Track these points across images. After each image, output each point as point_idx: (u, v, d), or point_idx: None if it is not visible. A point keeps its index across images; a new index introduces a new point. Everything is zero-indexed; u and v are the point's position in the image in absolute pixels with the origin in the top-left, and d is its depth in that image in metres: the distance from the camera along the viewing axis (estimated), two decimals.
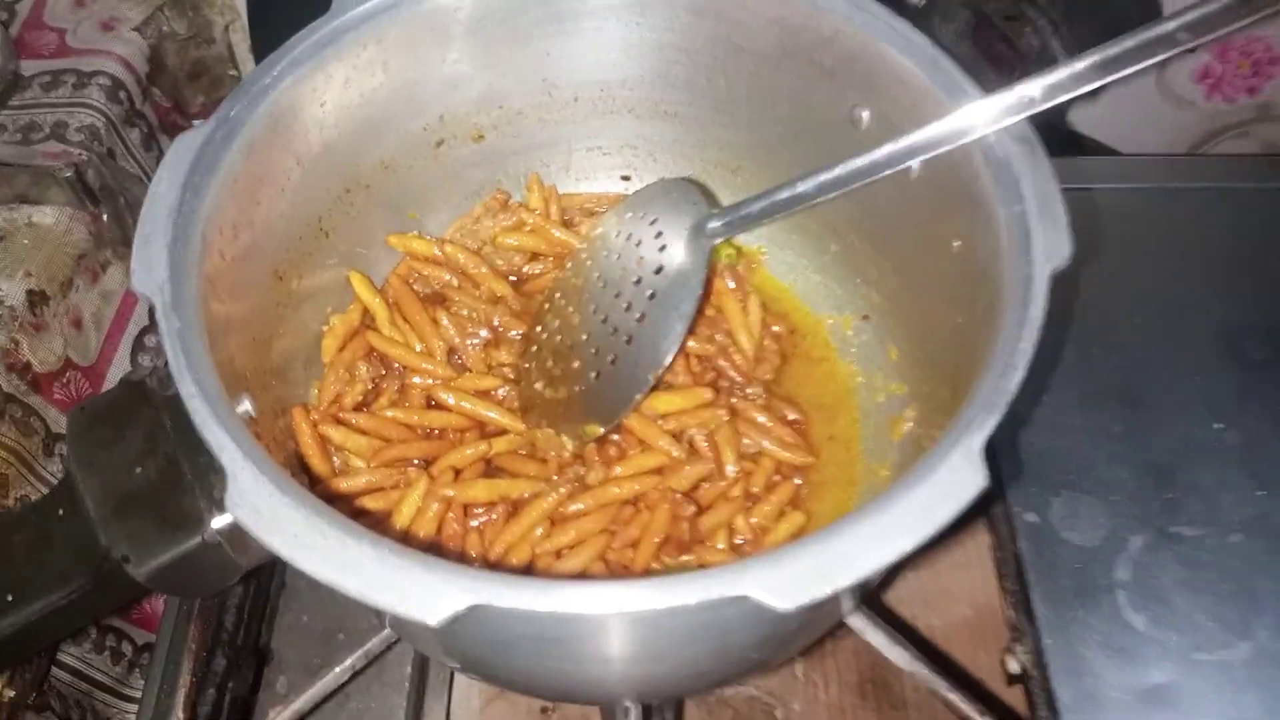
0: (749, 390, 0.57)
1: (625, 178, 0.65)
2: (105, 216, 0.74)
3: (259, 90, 0.47)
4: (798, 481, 0.55)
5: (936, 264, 0.51)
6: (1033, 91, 0.43)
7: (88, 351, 0.72)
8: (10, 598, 0.40)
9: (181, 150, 0.45)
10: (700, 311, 0.58)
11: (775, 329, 0.60)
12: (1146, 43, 0.42)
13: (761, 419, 0.55)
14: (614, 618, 0.33)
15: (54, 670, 0.64)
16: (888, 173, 0.45)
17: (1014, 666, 0.53)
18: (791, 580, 0.32)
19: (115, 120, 0.77)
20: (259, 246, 0.49)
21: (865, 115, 0.52)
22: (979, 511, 0.61)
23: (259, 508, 0.34)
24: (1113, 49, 0.42)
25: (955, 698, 0.49)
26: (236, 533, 0.39)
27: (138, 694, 0.68)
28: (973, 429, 0.36)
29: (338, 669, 0.53)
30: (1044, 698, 0.50)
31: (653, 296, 0.51)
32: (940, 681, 0.49)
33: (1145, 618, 0.53)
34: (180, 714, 0.53)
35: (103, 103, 0.76)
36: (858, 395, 0.58)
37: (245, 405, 0.43)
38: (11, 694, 0.59)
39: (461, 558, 0.49)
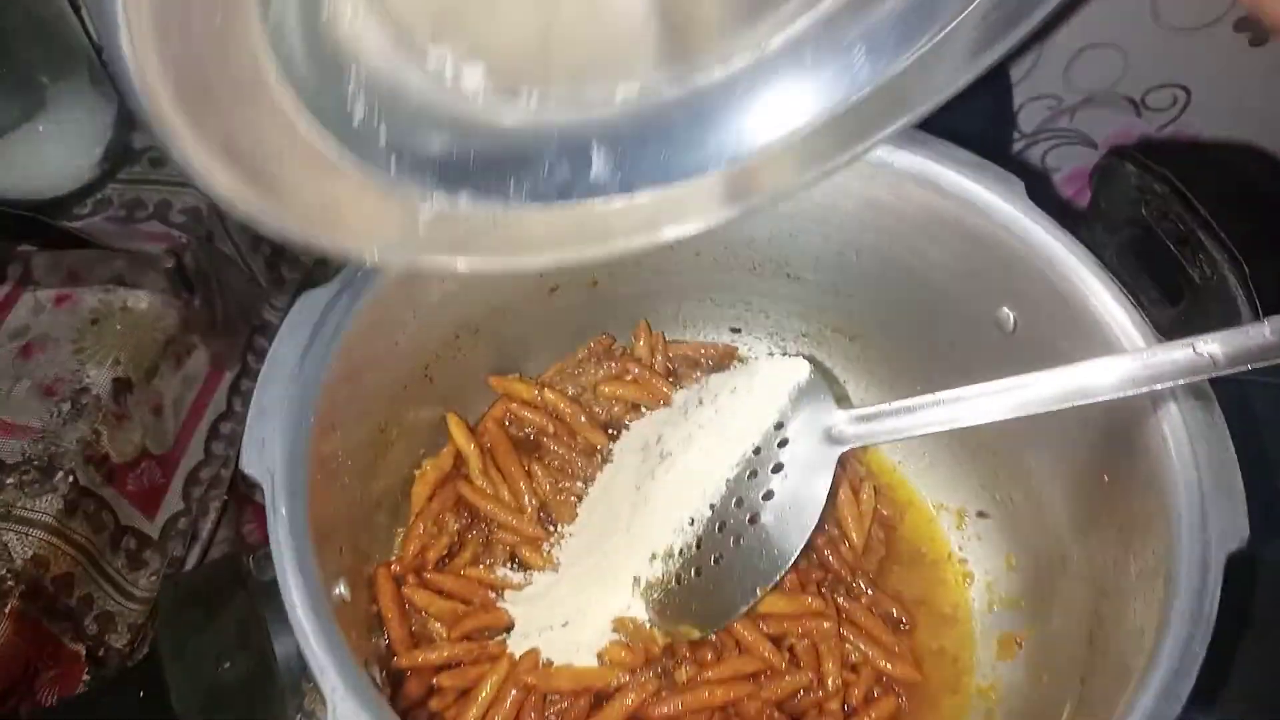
0: (853, 583, 0.54)
1: (735, 329, 0.63)
2: (197, 301, 0.73)
3: None
4: (901, 698, 0.51)
5: (1077, 490, 0.48)
6: (1214, 350, 0.38)
7: (165, 439, 0.70)
8: None
9: (305, 310, 0.43)
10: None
11: (883, 513, 0.57)
12: None
13: (866, 622, 0.52)
14: None
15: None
16: (1050, 409, 0.42)
17: None
18: None
19: None
20: (367, 409, 0.47)
21: (1012, 317, 0.50)
22: None
23: None
24: None
25: None
26: None
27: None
28: None
29: None
30: None
31: (768, 497, 0.47)
32: None
33: None
34: None
35: None
36: (971, 605, 0.55)
37: (340, 590, 0.41)
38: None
39: None
